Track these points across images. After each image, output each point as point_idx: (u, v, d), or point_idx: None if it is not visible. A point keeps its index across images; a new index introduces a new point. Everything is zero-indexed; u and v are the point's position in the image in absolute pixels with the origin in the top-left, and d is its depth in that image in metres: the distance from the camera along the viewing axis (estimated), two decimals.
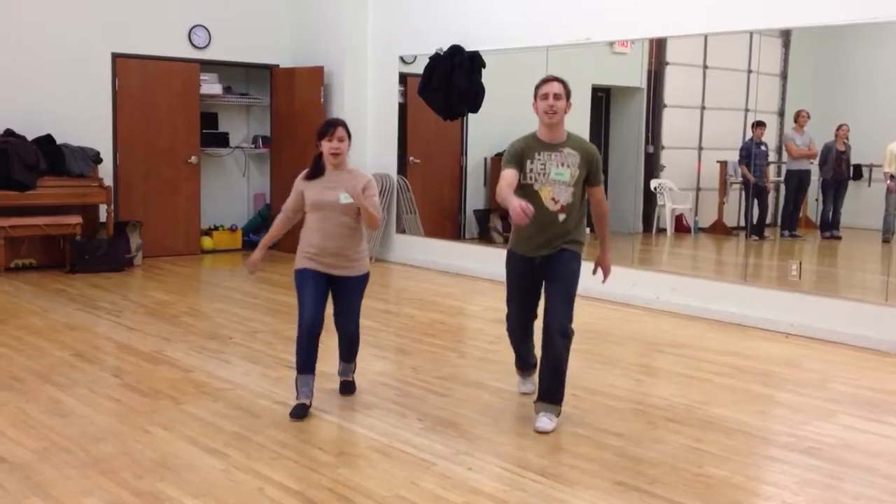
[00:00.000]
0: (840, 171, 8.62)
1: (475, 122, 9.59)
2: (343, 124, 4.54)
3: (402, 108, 10.07)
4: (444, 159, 10.25)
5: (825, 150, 8.62)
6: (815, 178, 8.81)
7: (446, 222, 10.35)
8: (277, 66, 10.50)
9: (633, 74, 9.25)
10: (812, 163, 8.76)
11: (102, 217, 9.13)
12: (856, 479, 3.84)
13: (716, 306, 7.09)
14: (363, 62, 10.12)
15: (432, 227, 10.13)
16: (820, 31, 7.12)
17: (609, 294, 7.55)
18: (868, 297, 7.02)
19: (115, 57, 9.45)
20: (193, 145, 10.04)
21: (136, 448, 4.00)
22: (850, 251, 9.16)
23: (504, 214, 9.69)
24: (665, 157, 9.62)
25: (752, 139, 8.80)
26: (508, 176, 4.28)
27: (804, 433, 4.41)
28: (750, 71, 8.25)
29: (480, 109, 9.07)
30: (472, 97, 8.96)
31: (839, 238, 8.94)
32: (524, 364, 4.89)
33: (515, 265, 4.58)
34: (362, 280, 4.66)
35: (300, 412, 4.49)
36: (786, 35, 8.58)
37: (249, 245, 10.66)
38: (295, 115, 10.24)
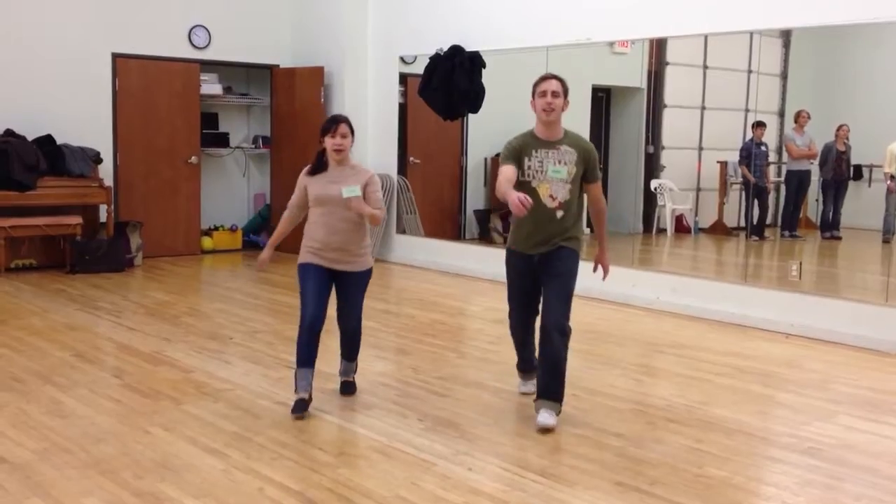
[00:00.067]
0: (840, 171, 8.61)
1: (475, 123, 9.59)
2: (346, 121, 4.57)
3: (403, 109, 10.07)
4: (444, 159, 10.25)
5: (825, 150, 8.62)
6: (816, 179, 8.80)
7: (446, 222, 10.35)
8: (277, 66, 10.50)
9: (633, 74, 9.25)
10: (812, 163, 8.76)
11: (102, 217, 9.13)
12: (856, 479, 3.84)
13: (716, 307, 7.09)
14: (363, 62, 10.12)
15: (432, 228, 10.13)
16: (820, 31, 7.12)
17: (609, 294, 7.56)
18: (868, 297, 7.02)
19: (116, 57, 9.46)
20: (193, 145, 10.04)
21: (137, 448, 4.00)
22: (851, 251, 9.16)
23: (504, 215, 9.73)
24: (665, 158, 9.63)
25: (752, 139, 8.80)
26: (507, 172, 4.33)
27: (805, 434, 4.41)
28: (750, 71, 8.25)
29: (481, 110, 9.07)
30: (473, 97, 8.96)
31: (839, 238, 8.93)
32: (525, 365, 4.89)
33: (515, 263, 4.61)
34: (365, 276, 4.68)
35: (300, 408, 4.50)
36: (786, 35, 8.58)
37: (249, 245, 10.68)
38: (295, 115, 10.24)
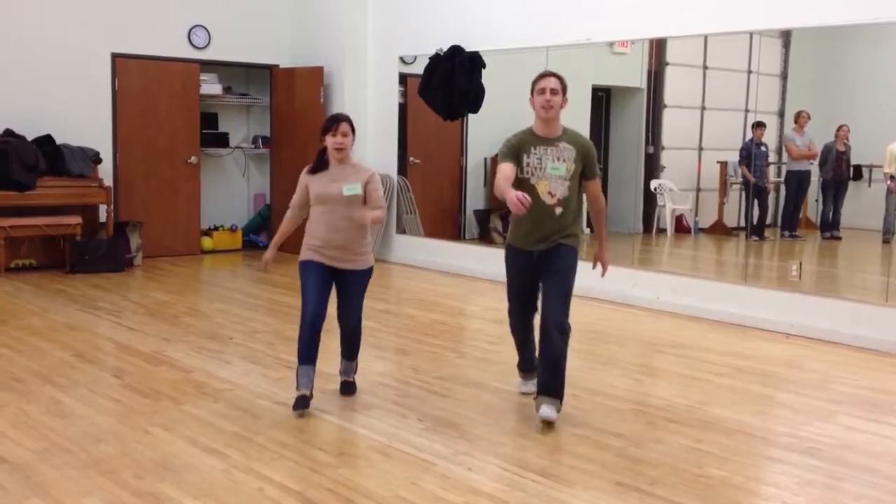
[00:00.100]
0: (840, 171, 8.62)
1: (475, 123, 9.59)
2: (347, 119, 4.59)
3: (403, 109, 10.07)
4: (444, 159, 10.25)
5: (825, 150, 8.62)
6: (815, 179, 8.81)
7: (446, 222, 10.35)
8: (277, 66, 10.50)
9: (633, 75, 9.25)
10: (812, 163, 8.76)
11: (102, 217, 9.13)
12: (856, 479, 3.84)
13: (716, 307, 7.09)
14: (363, 62, 10.12)
15: (432, 228, 10.13)
16: (820, 32, 7.12)
17: (609, 294, 7.56)
18: (868, 297, 7.02)
19: (115, 57, 9.45)
20: (193, 145, 10.04)
21: (137, 448, 4.00)
22: (851, 252, 9.16)
23: (504, 214, 9.73)
24: (665, 158, 9.63)
25: (752, 140, 8.80)
26: (506, 170, 4.36)
27: (804, 434, 4.41)
28: (750, 71, 8.25)
29: (480, 110, 9.07)
30: (473, 97, 8.96)
31: (839, 238, 8.94)
32: (526, 365, 4.90)
33: (514, 259, 4.63)
34: (366, 274, 4.70)
35: (301, 404, 4.52)
36: (786, 35, 8.58)
37: (249, 245, 10.68)
38: (295, 115, 10.24)
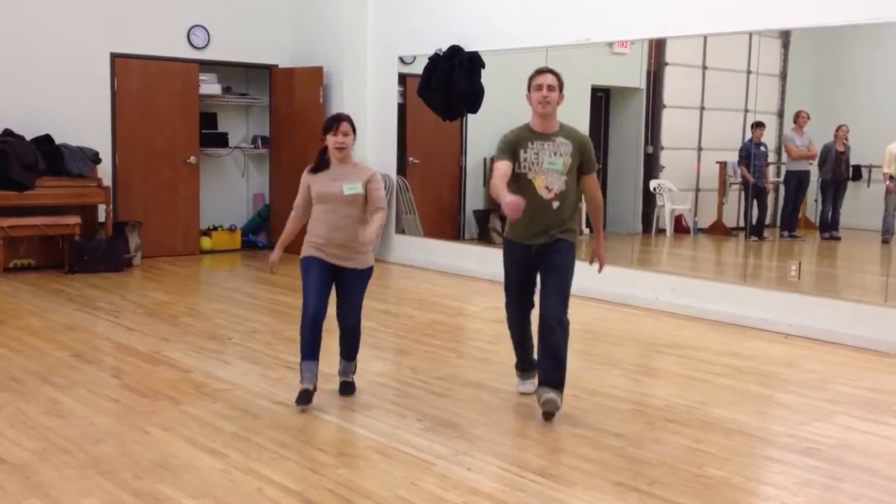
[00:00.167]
0: (839, 171, 8.62)
1: (474, 123, 9.59)
2: (348, 119, 4.62)
3: (402, 109, 10.07)
4: (443, 160, 10.25)
5: (824, 150, 8.62)
6: (815, 179, 8.81)
7: (446, 223, 10.35)
8: (277, 66, 10.50)
9: (632, 75, 9.25)
10: (811, 163, 8.76)
11: (101, 217, 9.12)
12: (855, 479, 3.84)
13: (715, 307, 7.09)
14: (363, 62, 10.12)
15: (432, 228, 10.13)
16: (820, 32, 7.12)
17: (608, 294, 7.56)
18: (867, 297, 7.02)
19: (115, 57, 9.45)
20: (192, 145, 10.03)
21: (136, 449, 4.00)
22: (850, 252, 9.16)
23: (503, 215, 9.72)
24: (664, 158, 9.62)
25: (751, 140, 8.80)
26: (502, 167, 4.42)
27: (803, 434, 4.41)
28: (749, 71, 8.25)
29: (480, 110, 9.06)
30: (472, 97, 8.96)
31: (838, 239, 8.94)
32: (524, 364, 4.91)
33: (513, 253, 4.68)
34: (366, 273, 4.72)
35: (304, 399, 4.56)
36: (785, 35, 8.58)
37: (248, 245, 10.68)
38: (294, 115, 10.24)
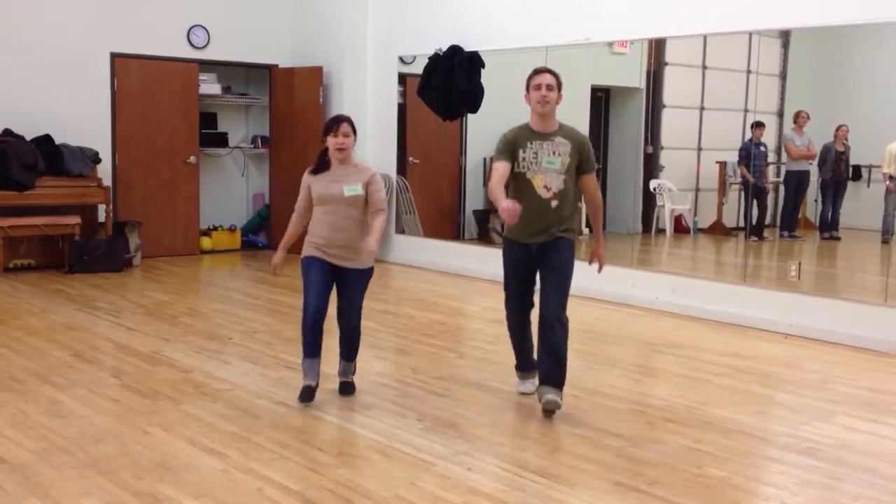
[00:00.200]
0: (839, 171, 8.62)
1: (474, 123, 9.59)
2: (348, 120, 4.65)
3: (402, 109, 10.06)
4: (443, 160, 10.25)
5: (824, 150, 8.62)
6: (815, 179, 8.81)
7: (446, 223, 10.35)
8: (276, 66, 10.50)
9: (632, 75, 9.25)
10: (811, 163, 8.76)
11: (101, 217, 9.12)
12: (855, 479, 3.84)
13: (715, 307, 7.09)
14: (363, 62, 10.12)
15: (432, 228, 10.13)
16: (819, 32, 7.12)
17: (608, 294, 7.56)
18: (867, 297, 7.02)
19: (115, 57, 9.45)
20: (192, 145, 10.03)
21: (136, 449, 4.00)
22: (850, 252, 9.16)
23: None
24: (664, 158, 9.62)
25: (751, 140, 8.80)
26: (500, 168, 4.48)
27: (803, 434, 4.41)
28: (749, 71, 8.25)
29: (480, 110, 9.06)
30: (472, 97, 8.96)
31: (838, 239, 8.94)
32: (524, 365, 4.91)
33: (513, 252, 4.70)
34: (367, 273, 4.73)
35: (307, 395, 4.61)
36: (785, 35, 8.58)
37: (248, 245, 10.68)
38: (294, 115, 10.24)
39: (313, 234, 4.66)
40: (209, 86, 10.21)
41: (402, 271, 9.47)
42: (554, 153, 4.52)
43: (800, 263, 8.04)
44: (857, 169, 8.61)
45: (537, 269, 4.62)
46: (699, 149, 9.74)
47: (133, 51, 9.54)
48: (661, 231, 9.77)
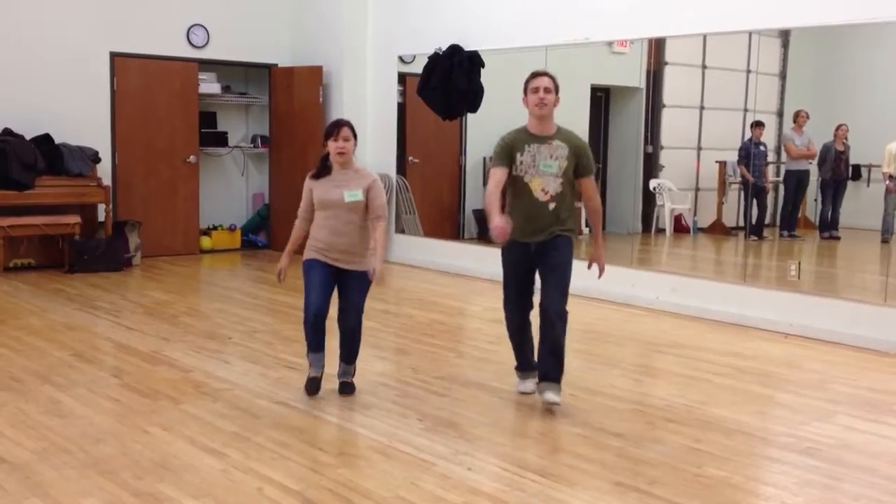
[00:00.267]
0: (839, 171, 8.62)
1: (474, 122, 9.59)
2: (348, 124, 4.69)
3: (402, 108, 10.06)
4: (443, 159, 10.25)
5: (824, 150, 8.62)
6: (814, 179, 8.81)
7: (445, 222, 10.34)
8: (276, 65, 10.50)
9: (632, 74, 9.25)
10: (811, 163, 8.77)
11: (101, 217, 9.12)
12: (855, 479, 3.84)
13: (715, 307, 7.09)
14: (362, 62, 10.11)
15: (431, 228, 10.13)
16: (819, 31, 7.12)
17: (609, 294, 7.56)
18: (867, 297, 7.01)
19: (114, 56, 9.45)
20: (192, 145, 10.03)
21: (136, 448, 3.99)
22: (849, 251, 9.17)
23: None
24: (664, 157, 9.62)
25: (751, 139, 8.80)
26: (497, 175, 4.53)
27: (803, 433, 4.41)
28: (749, 71, 8.25)
29: (479, 109, 9.06)
30: (472, 97, 8.96)
31: (838, 238, 8.94)
32: (524, 365, 4.91)
33: (512, 251, 4.71)
34: (368, 275, 4.71)
35: (313, 386, 4.71)
36: (785, 35, 8.59)
37: (248, 245, 10.68)
38: (294, 114, 10.23)
39: (314, 238, 4.70)
40: (209, 85, 10.21)
41: (402, 271, 9.47)
42: (551, 156, 4.54)
43: (800, 263, 8.04)
44: (856, 168, 8.61)
45: (536, 268, 4.64)
46: (699, 148, 9.74)
47: (133, 50, 9.54)
48: (660, 231, 9.77)
